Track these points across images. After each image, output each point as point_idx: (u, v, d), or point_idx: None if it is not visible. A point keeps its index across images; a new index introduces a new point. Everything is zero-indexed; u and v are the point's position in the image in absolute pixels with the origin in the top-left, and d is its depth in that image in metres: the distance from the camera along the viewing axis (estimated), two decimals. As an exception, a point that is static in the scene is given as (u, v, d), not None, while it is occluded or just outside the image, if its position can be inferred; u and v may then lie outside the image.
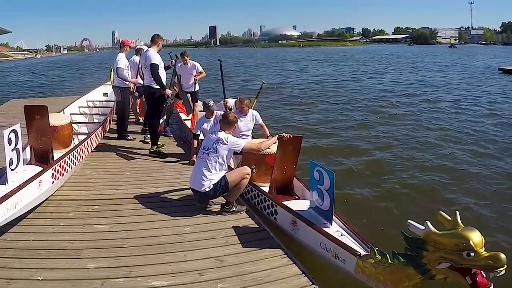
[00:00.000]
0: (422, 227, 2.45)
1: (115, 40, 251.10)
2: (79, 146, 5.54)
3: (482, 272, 2.30)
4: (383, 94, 17.96)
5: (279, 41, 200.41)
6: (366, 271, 2.87)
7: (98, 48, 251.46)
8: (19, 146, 4.03)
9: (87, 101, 9.26)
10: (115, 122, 7.84)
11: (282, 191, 4.53)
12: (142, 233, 3.81)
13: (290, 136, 4.49)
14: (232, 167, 5.06)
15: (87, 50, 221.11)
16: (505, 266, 2.18)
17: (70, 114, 7.44)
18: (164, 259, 3.35)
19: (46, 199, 4.38)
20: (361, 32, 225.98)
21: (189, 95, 7.69)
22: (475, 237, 2.27)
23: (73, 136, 6.23)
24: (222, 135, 4.34)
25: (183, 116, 8.30)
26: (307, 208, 3.84)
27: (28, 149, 4.67)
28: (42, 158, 4.59)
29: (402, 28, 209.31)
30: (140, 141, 7.34)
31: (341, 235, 3.39)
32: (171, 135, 7.90)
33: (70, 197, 4.66)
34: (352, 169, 7.59)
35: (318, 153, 8.27)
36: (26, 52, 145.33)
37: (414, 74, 28.54)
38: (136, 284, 3.00)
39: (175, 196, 4.79)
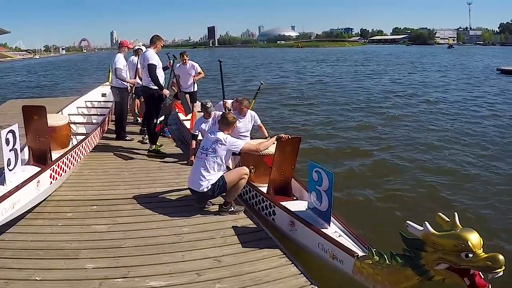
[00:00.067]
0: (421, 228, 2.45)
1: (114, 41, 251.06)
2: (78, 147, 5.54)
3: (480, 273, 2.30)
4: (382, 94, 17.99)
5: (278, 42, 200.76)
6: (364, 272, 2.87)
7: (96, 49, 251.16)
8: (17, 146, 4.02)
9: (85, 101, 9.25)
10: (114, 123, 7.83)
11: (280, 192, 4.53)
12: (140, 234, 3.80)
13: (288, 136, 4.49)
14: (231, 167, 5.06)
15: (85, 51, 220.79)
16: (503, 267, 2.18)
17: (69, 114, 7.44)
18: (162, 260, 3.35)
19: (44, 199, 4.37)
20: (360, 33, 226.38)
21: (187, 95, 7.69)
22: (474, 238, 2.27)
23: (72, 136, 6.22)
24: (221, 135, 4.34)
25: (181, 116, 8.30)
26: (305, 209, 3.84)
27: (26, 149, 4.66)
28: (40, 159, 4.58)
29: (400, 28, 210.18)
30: (138, 141, 7.33)
31: (339, 236, 3.40)
32: (170, 135, 7.90)
33: (68, 198, 4.65)
34: (351, 170, 7.60)
35: (317, 154, 8.28)
36: (24, 52, 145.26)
37: (413, 74, 28.62)
38: (134, 285, 3.00)
39: (173, 196, 4.79)
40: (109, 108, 8.77)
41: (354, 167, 7.74)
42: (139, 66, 7.71)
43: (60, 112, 7.41)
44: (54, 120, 5.51)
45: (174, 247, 3.58)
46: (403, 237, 2.54)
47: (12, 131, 3.94)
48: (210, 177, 4.22)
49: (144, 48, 7.61)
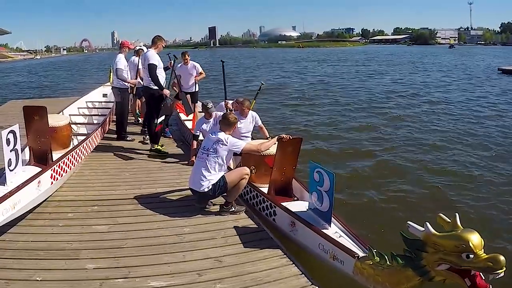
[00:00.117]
0: (422, 229, 2.45)
1: (115, 41, 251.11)
2: (78, 147, 5.55)
3: (481, 274, 2.30)
4: (384, 94, 17.97)
5: (279, 42, 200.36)
6: (364, 273, 2.86)
7: (97, 49, 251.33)
8: (18, 146, 4.02)
9: (86, 102, 9.26)
10: (115, 123, 7.84)
11: (281, 192, 4.53)
12: (141, 234, 3.81)
13: (290, 137, 4.49)
14: (232, 167, 5.06)
15: (86, 51, 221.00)
16: (504, 268, 2.18)
17: (70, 115, 7.45)
18: (163, 260, 3.35)
19: (45, 199, 4.37)
20: (361, 33, 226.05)
21: (188, 95, 7.69)
22: (475, 239, 2.27)
23: (72, 137, 6.23)
24: (222, 135, 4.34)
25: (183, 116, 8.31)
26: (306, 210, 3.84)
27: (27, 149, 4.66)
28: (41, 159, 4.58)
29: (401, 28, 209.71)
30: (139, 142, 7.33)
31: (339, 237, 3.39)
32: (171, 135, 7.90)
33: (69, 198, 4.65)
34: (352, 171, 7.59)
35: (318, 154, 8.28)
36: (25, 53, 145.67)
37: (414, 74, 28.57)
38: (135, 285, 3.00)
39: (174, 196, 4.79)
40: (110, 108, 8.77)
41: (355, 168, 7.73)
42: (140, 66, 7.74)
43: (61, 112, 7.42)
44: (55, 120, 5.52)
45: (175, 247, 3.58)
46: (404, 237, 2.53)
47: (13, 131, 3.95)
48: (211, 177, 4.22)
49: (145, 49, 7.64)
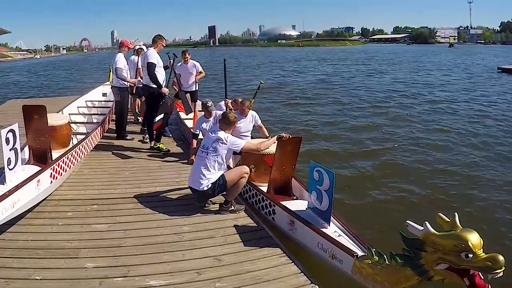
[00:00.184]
0: (421, 228, 2.45)
1: (114, 40, 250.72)
2: (78, 146, 5.54)
3: (480, 273, 2.30)
4: (384, 93, 17.95)
5: (278, 41, 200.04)
6: (363, 272, 2.87)
7: (97, 48, 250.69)
8: (17, 145, 4.02)
9: (86, 101, 9.26)
10: (114, 122, 7.84)
11: (280, 191, 4.54)
12: (140, 233, 3.81)
13: (289, 136, 4.50)
14: (231, 166, 5.07)
15: (86, 50, 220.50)
16: (503, 268, 2.18)
17: (69, 114, 7.46)
18: (162, 259, 3.35)
19: (45, 198, 4.38)
20: (360, 32, 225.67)
21: (188, 94, 7.69)
22: (474, 238, 2.27)
23: (72, 136, 6.24)
24: (221, 134, 4.34)
25: (182, 115, 8.30)
26: (305, 209, 3.84)
27: (26, 149, 4.67)
28: (41, 158, 4.59)
29: (401, 27, 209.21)
30: (139, 141, 7.33)
31: (338, 236, 3.39)
32: (170, 134, 7.90)
33: (69, 197, 4.66)
34: (352, 170, 7.58)
35: (318, 154, 8.28)
36: (25, 52, 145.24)
37: (414, 73, 28.51)
38: (134, 284, 3.00)
39: (174, 195, 4.79)
40: (109, 107, 8.78)
41: (355, 167, 7.72)
42: (140, 65, 7.74)
43: (61, 111, 7.42)
44: (54, 119, 5.52)
45: (174, 246, 3.58)
46: (403, 237, 2.53)
47: (12, 131, 3.95)
48: (210, 176, 4.23)
49: (145, 48, 7.64)
